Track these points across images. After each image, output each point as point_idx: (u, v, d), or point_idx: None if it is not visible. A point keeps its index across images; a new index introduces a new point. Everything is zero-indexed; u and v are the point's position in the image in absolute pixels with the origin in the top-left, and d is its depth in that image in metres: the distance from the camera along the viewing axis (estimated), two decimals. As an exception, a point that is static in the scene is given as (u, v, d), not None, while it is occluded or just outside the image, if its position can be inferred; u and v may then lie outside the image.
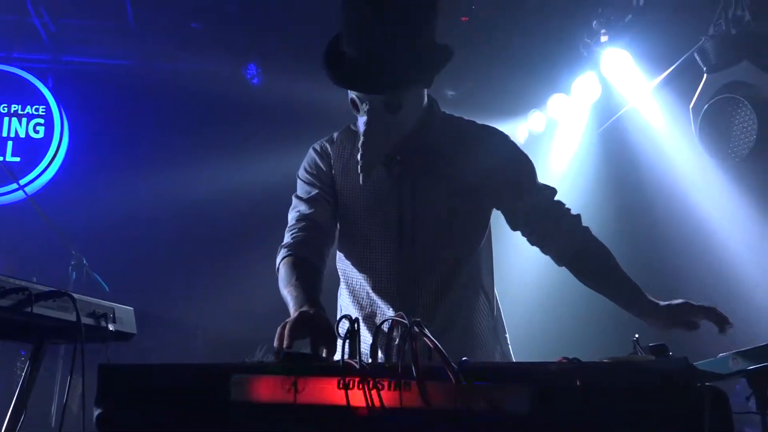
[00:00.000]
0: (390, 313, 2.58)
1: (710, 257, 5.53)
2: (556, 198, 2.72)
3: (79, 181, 7.29)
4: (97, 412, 1.80)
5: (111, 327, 2.50)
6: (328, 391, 1.65)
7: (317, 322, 2.13)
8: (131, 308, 2.69)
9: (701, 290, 5.48)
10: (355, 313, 2.65)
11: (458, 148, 2.68)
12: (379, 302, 2.63)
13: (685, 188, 5.87)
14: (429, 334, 1.67)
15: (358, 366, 1.63)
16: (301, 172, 2.78)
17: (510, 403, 1.54)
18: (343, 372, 1.64)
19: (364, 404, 1.59)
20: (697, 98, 4.73)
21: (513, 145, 2.77)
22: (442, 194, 2.63)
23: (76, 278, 5.72)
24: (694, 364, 1.57)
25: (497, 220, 2.77)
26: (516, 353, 2.79)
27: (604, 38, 6.05)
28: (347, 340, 1.79)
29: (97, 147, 7.40)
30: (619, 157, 6.73)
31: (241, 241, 6.88)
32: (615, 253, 2.62)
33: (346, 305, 2.74)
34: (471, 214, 2.68)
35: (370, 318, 2.64)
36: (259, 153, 6.94)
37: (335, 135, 2.81)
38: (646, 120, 6.32)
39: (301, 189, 2.75)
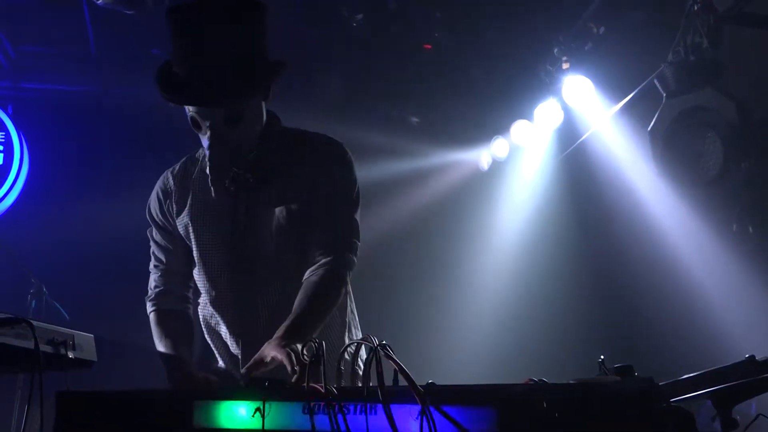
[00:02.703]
0: (226, 327, 2.69)
1: (674, 280, 5.57)
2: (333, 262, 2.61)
3: (38, 209, 7.15)
4: (55, 441, 1.76)
5: (70, 354, 2.44)
6: (294, 416, 1.63)
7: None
8: (91, 335, 2.64)
9: (666, 313, 5.52)
10: (201, 326, 2.79)
11: (293, 162, 2.71)
12: (219, 318, 2.72)
13: (647, 212, 5.94)
14: (395, 357, 1.65)
15: (323, 390, 1.61)
16: (148, 212, 2.92)
17: (476, 425, 1.52)
18: (308, 396, 1.62)
19: (329, 429, 1.57)
20: (655, 122, 4.78)
21: (342, 167, 2.74)
22: (274, 210, 2.65)
23: (35, 307, 5.62)
24: (660, 384, 1.57)
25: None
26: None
27: (565, 65, 6.12)
28: (310, 365, 1.77)
29: (57, 174, 7.28)
30: (581, 181, 6.80)
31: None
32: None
33: (199, 318, 2.83)
34: (304, 227, 2.66)
35: (214, 332, 2.75)
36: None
37: (177, 165, 2.92)
38: (607, 145, 6.40)
39: (152, 229, 2.93)
